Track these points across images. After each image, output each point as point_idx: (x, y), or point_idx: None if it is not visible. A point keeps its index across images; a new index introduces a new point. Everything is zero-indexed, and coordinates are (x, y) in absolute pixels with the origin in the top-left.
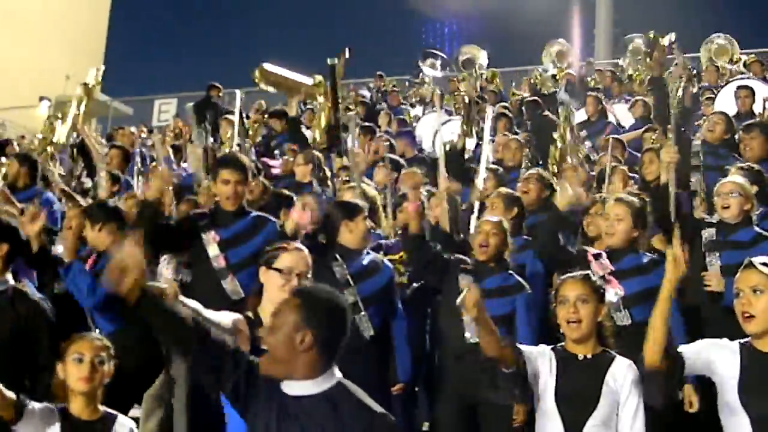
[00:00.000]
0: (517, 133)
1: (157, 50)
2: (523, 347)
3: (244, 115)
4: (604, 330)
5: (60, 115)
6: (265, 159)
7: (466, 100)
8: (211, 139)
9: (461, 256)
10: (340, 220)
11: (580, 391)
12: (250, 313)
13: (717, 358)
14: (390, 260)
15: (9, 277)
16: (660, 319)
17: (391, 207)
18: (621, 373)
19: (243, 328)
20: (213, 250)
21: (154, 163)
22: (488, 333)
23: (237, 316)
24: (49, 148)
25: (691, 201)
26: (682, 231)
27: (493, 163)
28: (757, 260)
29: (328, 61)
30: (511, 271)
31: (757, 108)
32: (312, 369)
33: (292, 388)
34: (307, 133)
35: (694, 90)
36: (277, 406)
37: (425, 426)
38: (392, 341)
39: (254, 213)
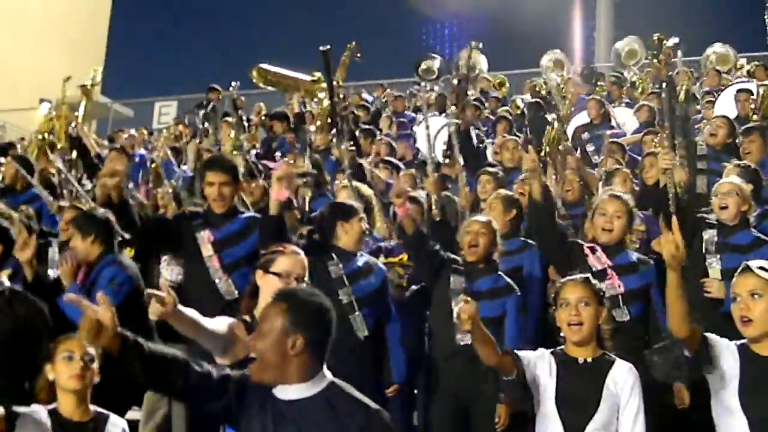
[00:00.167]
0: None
1: (157, 52)
2: (521, 353)
3: (243, 117)
4: (602, 333)
5: (57, 116)
6: (265, 161)
7: (455, 82)
8: (205, 123)
9: (453, 256)
10: (335, 221)
11: (580, 394)
12: (246, 317)
13: (722, 357)
14: (390, 263)
15: (4, 278)
16: (674, 293)
17: (385, 208)
18: (621, 377)
19: (240, 333)
20: (207, 250)
21: (153, 164)
22: (485, 344)
23: (233, 321)
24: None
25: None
26: (681, 226)
27: (493, 164)
28: (754, 264)
29: (320, 48)
30: (500, 273)
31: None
32: (304, 372)
33: (286, 392)
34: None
35: (694, 93)
36: (271, 413)
37: None
38: (386, 343)
39: (247, 213)
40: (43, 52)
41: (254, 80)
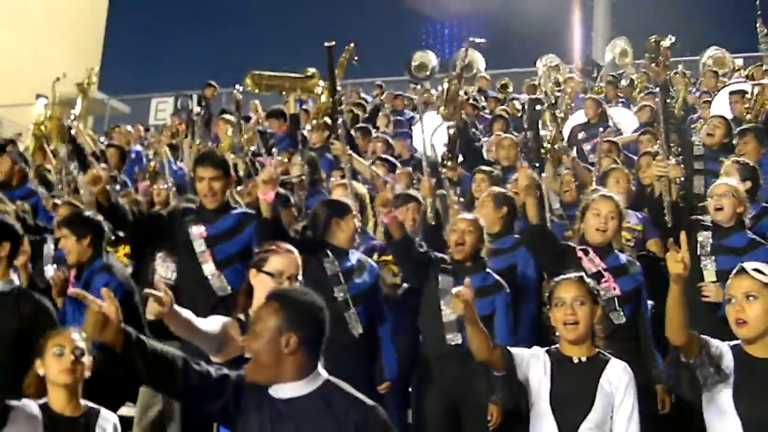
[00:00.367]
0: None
1: (154, 49)
2: (513, 350)
3: (241, 115)
4: (596, 332)
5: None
6: (261, 158)
7: (445, 86)
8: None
9: (441, 255)
10: (330, 218)
11: (574, 394)
12: (241, 315)
13: (721, 363)
14: (384, 261)
15: (15, 277)
16: (675, 304)
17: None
18: (616, 376)
19: (234, 332)
20: (199, 246)
21: (152, 163)
22: (478, 334)
23: (227, 320)
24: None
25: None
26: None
27: (490, 163)
28: (749, 266)
29: (326, 43)
30: (489, 270)
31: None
32: (299, 370)
33: (282, 391)
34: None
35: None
36: (268, 412)
37: None
38: (379, 340)
39: (240, 209)
40: (41, 48)
41: (249, 88)
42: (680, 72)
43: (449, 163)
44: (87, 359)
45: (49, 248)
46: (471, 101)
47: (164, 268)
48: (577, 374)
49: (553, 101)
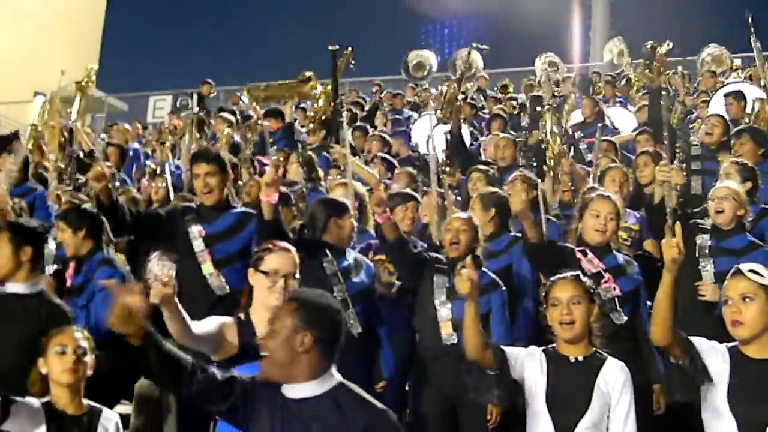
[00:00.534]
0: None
1: (152, 46)
2: (508, 349)
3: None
4: (593, 330)
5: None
6: (259, 157)
7: (444, 89)
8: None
9: (436, 255)
10: (328, 218)
11: (571, 393)
12: (241, 315)
13: (709, 360)
14: (380, 259)
15: (40, 280)
16: (664, 299)
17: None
18: (612, 375)
19: (228, 332)
20: (198, 245)
21: (150, 163)
22: (474, 330)
23: (224, 320)
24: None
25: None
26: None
27: (488, 162)
28: (745, 267)
29: (329, 46)
30: (484, 269)
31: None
32: (313, 370)
33: (295, 391)
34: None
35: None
36: (280, 412)
37: None
38: (376, 339)
39: (240, 209)
40: (39, 45)
41: (250, 102)
42: (679, 73)
43: (448, 169)
44: (89, 358)
45: (50, 248)
46: (469, 100)
47: (159, 267)
48: (574, 374)
49: (555, 105)
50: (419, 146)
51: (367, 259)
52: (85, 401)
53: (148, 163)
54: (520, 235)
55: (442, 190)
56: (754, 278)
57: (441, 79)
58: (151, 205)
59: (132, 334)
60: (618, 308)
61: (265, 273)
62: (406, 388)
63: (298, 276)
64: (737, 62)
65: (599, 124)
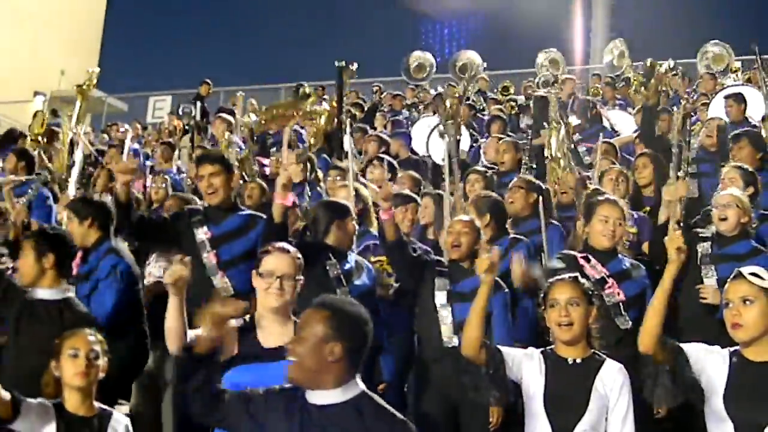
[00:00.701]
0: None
1: (152, 47)
2: (505, 349)
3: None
4: (592, 332)
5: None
6: (259, 158)
7: (447, 104)
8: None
9: (438, 258)
10: (331, 220)
11: (569, 395)
12: (247, 317)
13: (707, 364)
14: (378, 261)
15: (66, 287)
16: (657, 305)
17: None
18: (610, 377)
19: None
20: (203, 246)
21: (149, 162)
22: (476, 325)
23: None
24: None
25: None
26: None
27: (488, 165)
28: (746, 270)
29: (336, 63)
30: None
31: (752, 114)
32: (339, 379)
33: (318, 396)
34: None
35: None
36: (299, 415)
37: None
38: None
39: (247, 211)
40: (39, 45)
41: (263, 124)
42: (679, 74)
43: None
44: (102, 361)
45: None
46: (468, 102)
47: (157, 268)
48: (572, 375)
49: (563, 124)
50: (417, 147)
51: (367, 262)
52: (96, 404)
53: (148, 163)
54: (519, 237)
55: (451, 193)
56: (754, 281)
57: (440, 80)
58: (151, 205)
59: (212, 342)
60: (622, 313)
61: (260, 275)
62: (405, 389)
63: (300, 278)
64: (737, 64)
65: (597, 127)
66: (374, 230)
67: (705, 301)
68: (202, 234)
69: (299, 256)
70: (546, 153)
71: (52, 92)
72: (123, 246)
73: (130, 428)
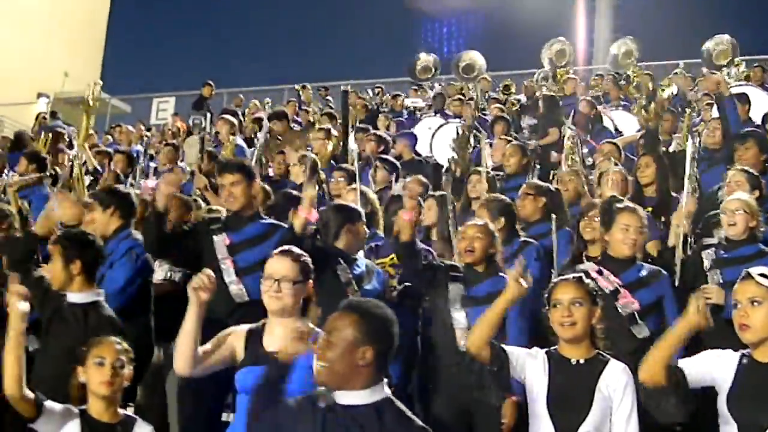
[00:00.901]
0: (515, 137)
1: (155, 48)
2: (510, 348)
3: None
4: (596, 332)
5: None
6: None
7: (460, 131)
8: (207, 127)
9: (451, 263)
10: (342, 225)
11: (572, 396)
12: (260, 323)
13: (714, 368)
14: (380, 262)
15: (97, 291)
16: (672, 343)
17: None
18: (614, 378)
19: (234, 341)
20: (222, 253)
21: (153, 164)
22: (492, 321)
23: (232, 330)
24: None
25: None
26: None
27: (494, 168)
28: (754, 271)
29: (342, 87)
30: (501, 274)
31: (752, 115)
32: (368, 381)
33: (345, 397)
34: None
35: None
36: (322, 414)
37: None
38: None
39: (268, 220)
40: (42, 47)
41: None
42: (683, 74)
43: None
44: (127, 370)
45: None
46: (470, 101)
47: (161, 271)
48: (575, 376)
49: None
50: (420, 147)
51: (376, 266)
52: (120, 410)
53: (151, 164)
54: (529, 240)
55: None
56: (763, 282)
57: (438, 79)
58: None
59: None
60: (638, 322)
61: (263, 278)
62: (408, 391)
63: (304, 281)
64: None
65: (598, 126)
66: (381, 232)
67: (709, 302)
68: (220, 240)
69: (305, 260)
70: (563, 167)
71: (56, 94)
72: (140, 236)
73: None
